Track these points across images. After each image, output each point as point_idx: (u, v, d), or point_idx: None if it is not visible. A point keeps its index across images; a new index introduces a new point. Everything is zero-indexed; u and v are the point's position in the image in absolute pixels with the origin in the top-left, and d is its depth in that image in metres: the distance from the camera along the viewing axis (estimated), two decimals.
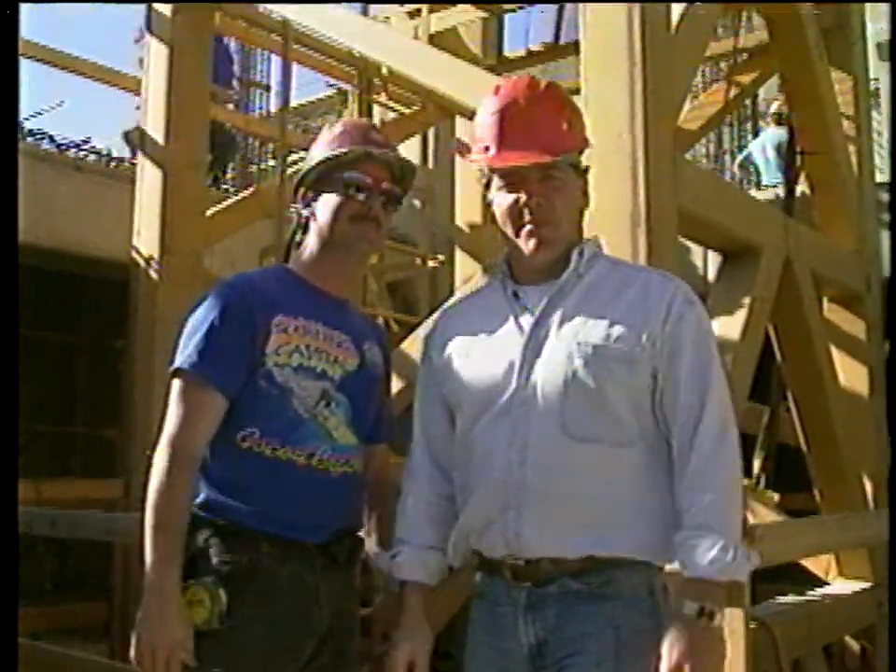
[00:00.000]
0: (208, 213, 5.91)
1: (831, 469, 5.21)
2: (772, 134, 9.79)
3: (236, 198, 6.48)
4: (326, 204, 2.37)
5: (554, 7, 6.44)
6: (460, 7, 5.83)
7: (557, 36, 6.61)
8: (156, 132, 5.56)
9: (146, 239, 5.53)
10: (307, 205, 2.41)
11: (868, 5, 6.28)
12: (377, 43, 4.63)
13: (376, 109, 7.05)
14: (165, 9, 5.64)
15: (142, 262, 5.49)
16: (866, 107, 5.98)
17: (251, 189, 6.57)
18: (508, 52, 6.85)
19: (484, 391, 2.17)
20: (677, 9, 3.93)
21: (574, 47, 6.98)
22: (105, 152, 8.01)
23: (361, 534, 2.41)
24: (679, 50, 3.89)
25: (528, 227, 2.17)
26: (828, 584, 5.06)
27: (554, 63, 6.72)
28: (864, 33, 6.13)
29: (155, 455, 2.18)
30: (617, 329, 2.08)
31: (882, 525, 4.31)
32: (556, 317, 2.15)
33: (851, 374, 5.55)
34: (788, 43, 5.23)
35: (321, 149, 2.41)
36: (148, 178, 5.57)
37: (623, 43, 3.64)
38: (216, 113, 6.71)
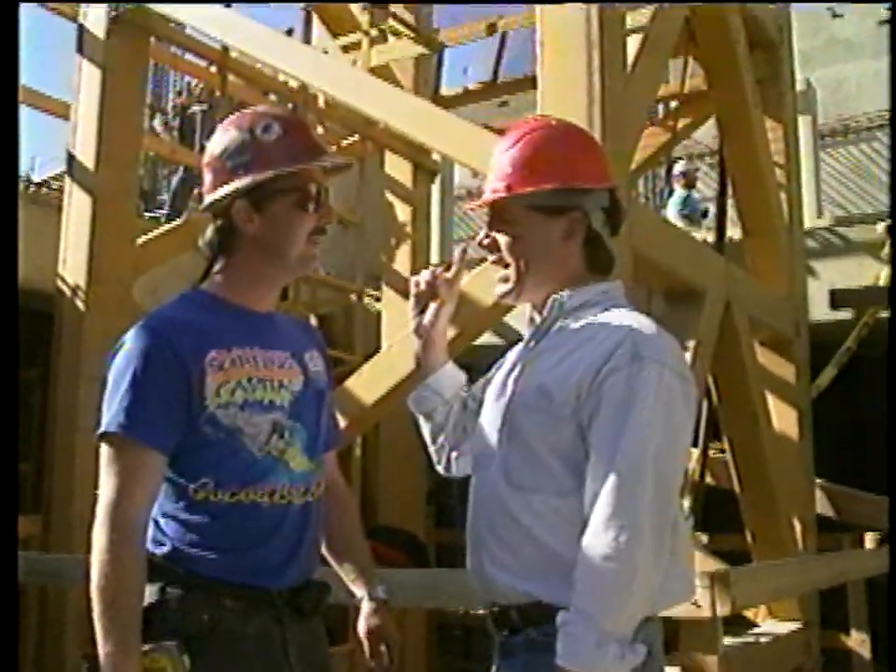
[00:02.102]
0: (138, 241, 5.73)
1: (763, 511, 5.26)
2: (678, 194, 9.95)
3: (167, 227, 6.31)
4: (280, 220, 2.09)
5: (495, 45, 6.45)
6: (401, 42, 5.79)
7: (496, 75, 6.62)
8: (86, 157, 5.38)
9: (72, 267, 5.35)
10: (246, 220, 2.08)
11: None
12: (326, 75, 4.56)
13: None
14: (98, 30, 5.48)
15: (67, 291, 5.30)
16: (795, 156, 6.13)
17: (182, 218, 6.40)
18: (444, 90, 6.85)
19: (477, 433, 2.15)
20: (633, 48, 3.98)
21: (512, 86, 7.12)
22: (23, 177, 7.74)
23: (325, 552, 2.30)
24: (635, 88, 3.92)
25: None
26: (757, 626, 5.09)
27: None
28: (794, 83, 6.31)
29: (94, 529, 1.94)
30: (550, 383, 1.97)
31: (834, 568, 4.36)
32: (521, 364, 2.10)
33: (782, 417, 5.64)
34: (725, 89, 5.35)
35: (264, 157, 2.08)
36: (76, 205, 5.39)
37: (583, 80, 3.66)
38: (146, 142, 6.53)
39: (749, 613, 5.08)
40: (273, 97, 7.09)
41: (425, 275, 2.23)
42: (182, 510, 2.03)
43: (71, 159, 5.50)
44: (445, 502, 9.62)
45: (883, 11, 12.59)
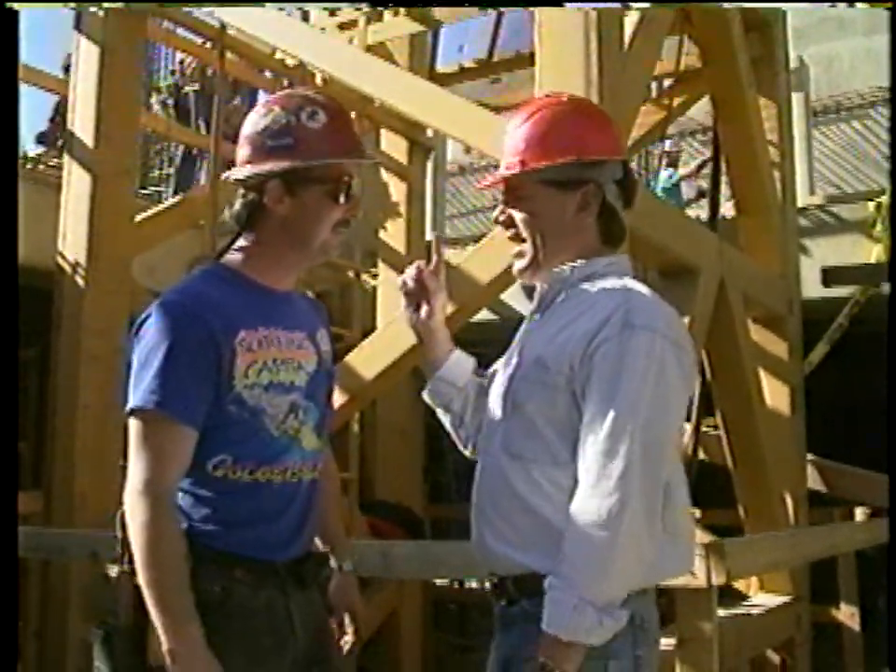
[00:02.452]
0: (137, 219, 5.76)
1: (756, 487, 5.34)
2: (663, 174, 10.04)
3: (165, 205, 6.34)
4: (310, 207, 2.12)
5: (490, 21, 6.47)
6: (398, 19, 5.81)
7: (491, 53, 6.64)
8: (85, 135, 5.40)
9: (72, 243, 5.37)
10: (278, 200, 2.10)
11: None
12: (324, 53, 4.58)
13: None
14: (96, 8, 5.49)
15: (67, 268, 5.33)
16: (789, 135, 6.17)
17: (180, 197, 6.43)
18: (440, 67, 6.86)
19: (487, 406, 2.20)
20: (629, 27, 4.01)
21: (507, 63, 7.14)
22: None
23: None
24: (632, 67, 3.96)
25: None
26: (749, 598, 5.18)
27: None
28: (787, 63, 6.34)
29: (129, 505, 1.96)
30: (547, 354, 2.01)
31: (826, 540, 4.43)
32: (524, 336, 2.15)
33: (774, 394, 5.70)
34: (720, 68, 5.37)
35: (307, 144, 2.09)
36: (76, 182, 5.41)
37: (580, 60, 3.70)
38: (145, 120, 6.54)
39: (740, 586, 5.18)
40: (268, 74, 7.11)
41: (410, 273, 2.23)
42: (198, 485, 2.06)
43: (70, 136, 5.52)
44: (439, 478, 9.72)
45: None
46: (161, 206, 6.37)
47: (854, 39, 12.65)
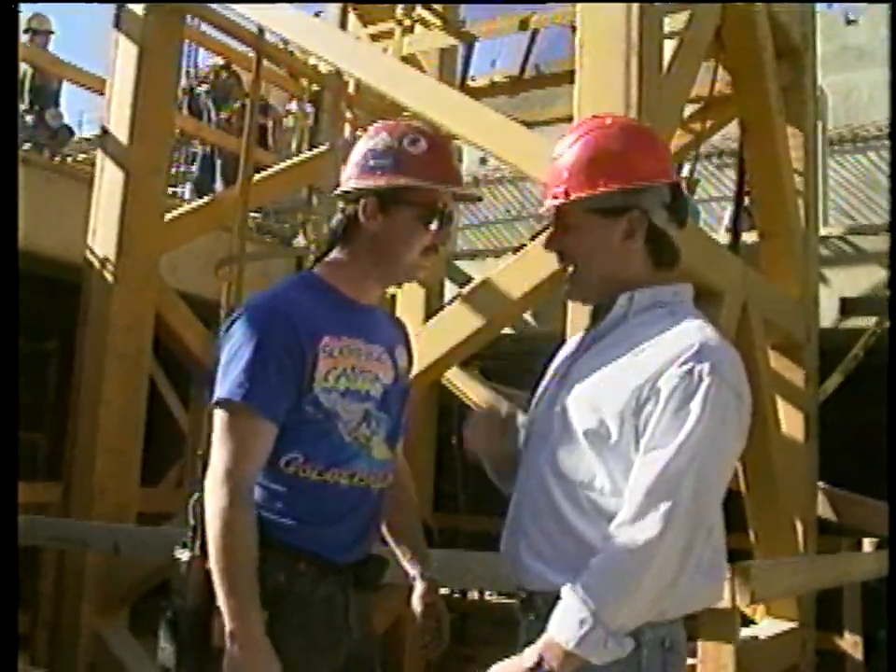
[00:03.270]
0: (166, 218, 5.81)
1: (767, 512, 5.35)
2: None
3: (194, 204, 6.39)
4: (400, 227, 2.22)
5: (526, 38, 6.52)
6: (434, 32, 5.86)
7: (524, 69, 6.69)
8: (120, 132, 5.46)
9: (101, 239, 5.43)
10: (371, 216, 2.22)
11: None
12: (360, 61, 4.64)
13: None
14: (137, 7, 5.55)
15: (96, 263, 5.38)
16: (814, 163, 6.22)
17: (209, 198, 6.48)
18: (471, 82, 6.92)
19: (532, 419, 2.23)
20: (668, 50, 4.06)
21: (538, 80, 7.19)
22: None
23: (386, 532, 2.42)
24: (670, 91, 4.00)
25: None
26: (755, 622, 5.20)
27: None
28: (815, 92, 6.38)
29: (209, 491, 2.07)
30: (608, 384, 2.02)
31: (840, 568, 4.45)
32: (583, 362, 2.16)
33: (789, 421, 5.73)
34: (750, 94, 5.43)
35: (406, 166, 2.21)
36: (108, 179, 5.47)
37: (620, 81, 3.75)
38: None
39: (747, 610, 5.19)
40: (303, 82, 7.17)
41: (472, 431, 2.26)
42: (270, 479, 2.15)
43: (104, 133, 5.58)
44: (446, 488, 9.72)
45: None
46: (189, 206, 6.42)
47: (873, 70, 12.69)
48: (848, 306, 6.32)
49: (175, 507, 4.87)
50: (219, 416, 2.10)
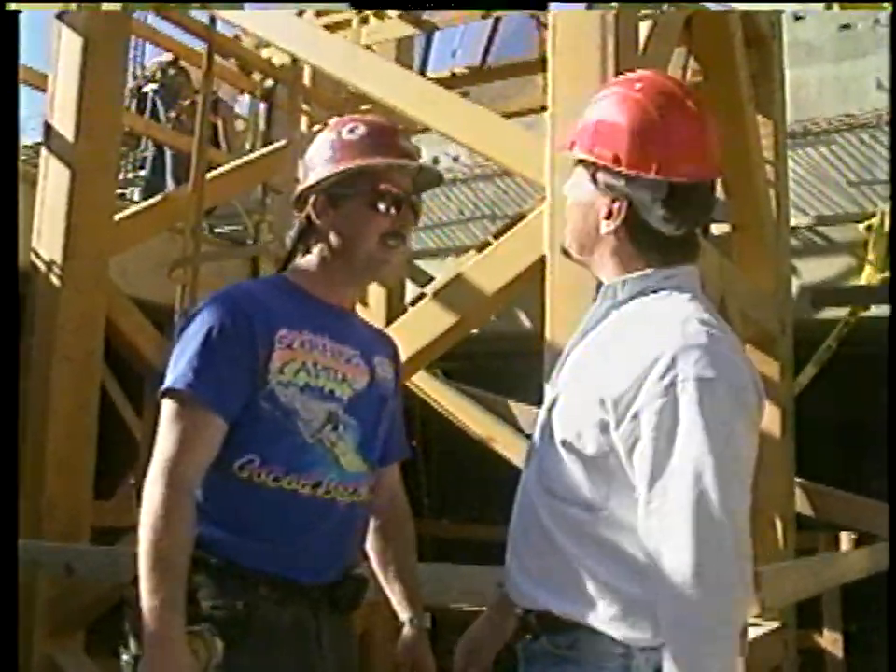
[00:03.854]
0: (116, 218, 5.54)
1: None
2: None
3: (144, 204, 6.13)
4: (350, 218, 2.12)
5: (486, 28, 6.34)
6: (392, 21, 5.66)
7: (485, 59, 6.51)
8: (64, 128, 5.17)
9: (47, 241, 5.14)
10: (321, 213, 2.14)
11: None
12: (319, 48, 4.42)
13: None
14: None
15: (42, 266, 5.10)
16: (784, 153, 6.10)
17: (161, 196, 6.22)
18: (431, 73, 6.73)
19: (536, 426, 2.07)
20: (644, 29, 3.90)
21: (500, 72, 7.02)
22: None
23: (363, 570, 2.24)
24: (648, 63, 3.82)
25: None
26: None
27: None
28: (783, 80, 6.27)
29: (147, 485, 1.92)
30: (587, 387, 1.84)
31: (838, 568, 4.30)
32: (570, 360, 1.99)
33: (765, 415, 5.58)
34: (720, 82, 5.27)
35: (343, 153, 2.13)
36: (53, 177, 5.18)
37: (596, 62, 3.57)
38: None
39: None
40: (255, 77, 6.94)
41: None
42: (223, 488, 1.99)
43: (48, 129, 5.29)
44: (411, 493, 9.57)
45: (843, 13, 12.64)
46: (140, 205, 6.15)
47: (822, 66, 12.74)
48: (820, 297, 6.20)
49: (131, 520, 4.62)
50: (167, 407, 1.97)
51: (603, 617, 1.81)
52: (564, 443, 1.85)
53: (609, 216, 1.93)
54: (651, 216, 1.90)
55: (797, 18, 13.80)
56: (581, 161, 1.98)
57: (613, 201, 1.92)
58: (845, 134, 12.00)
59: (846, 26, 12.54)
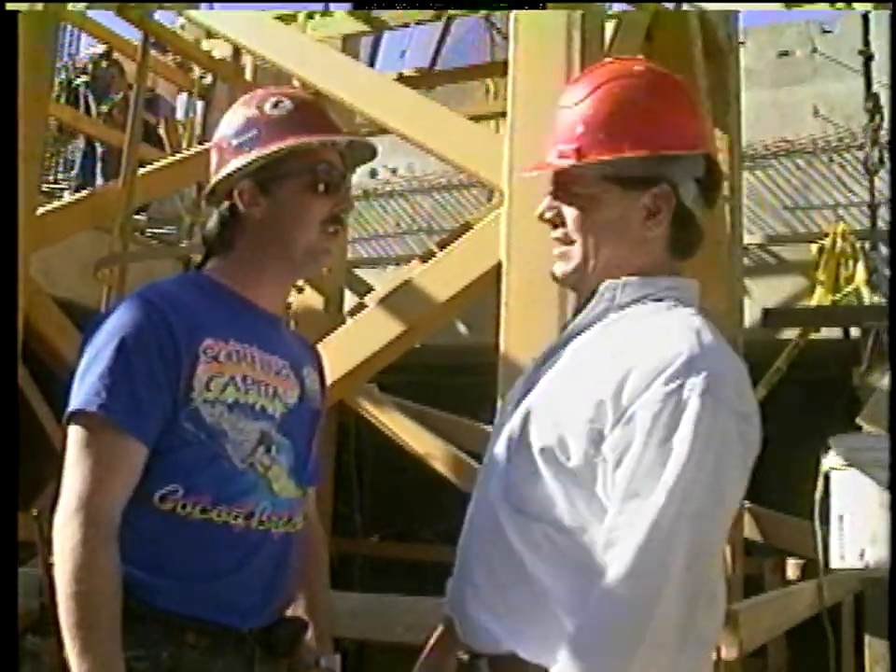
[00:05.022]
0: (39, 212, 5.20)
1: None
2: None
3: (71, 198, 5.80)
4: (287, 204, 1.87)
5: (437, 31, 6.12)
6: (341, 18, 5.41)
7: (434, 62, 6.29)
8: None
9: None
10: (251, 202, 1.88)
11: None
12: (266, 39, 4.15)
13: None
14: None
15: None
16: (739, 168, 5.97)
17: (88, 191, 5.89)
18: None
19: (492, 440, 1.81)
20: (609, 26, 3.72)
21: (450, 75, 6.80)
22: None
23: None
24: None
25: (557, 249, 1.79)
26: None
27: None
28: (739, 93, 6.15)
29: (58, 526, 1.65)
30: (574, 395, 1.62)
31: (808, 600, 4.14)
32: (550, 366, 1.75)
33: None
34: None
35: (270, 132, 1.88)
36: None
37: (562, 61, 3.36)
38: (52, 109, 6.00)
39: None
40: (194, 73, 6.65)
41: None
42: (142, 523, 1.71)
43: None
44: (342, 510, 9.28)
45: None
46: (65, 200, 5.81)
47: (760, 91, 12.84)
48: (772, 317, 6.08)
49: (48, 532, 4.29)
50: (75, 432, 1.68)
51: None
52: (542, 451, 1.61)
53: (650, 215, 1.70)
54: (689, 198, 1.71)
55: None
56: (564, 183, 1.74)
57: (654, 195, 1.69)
58: (782, 159, 12.09)
59: (784, 53, 12.67)
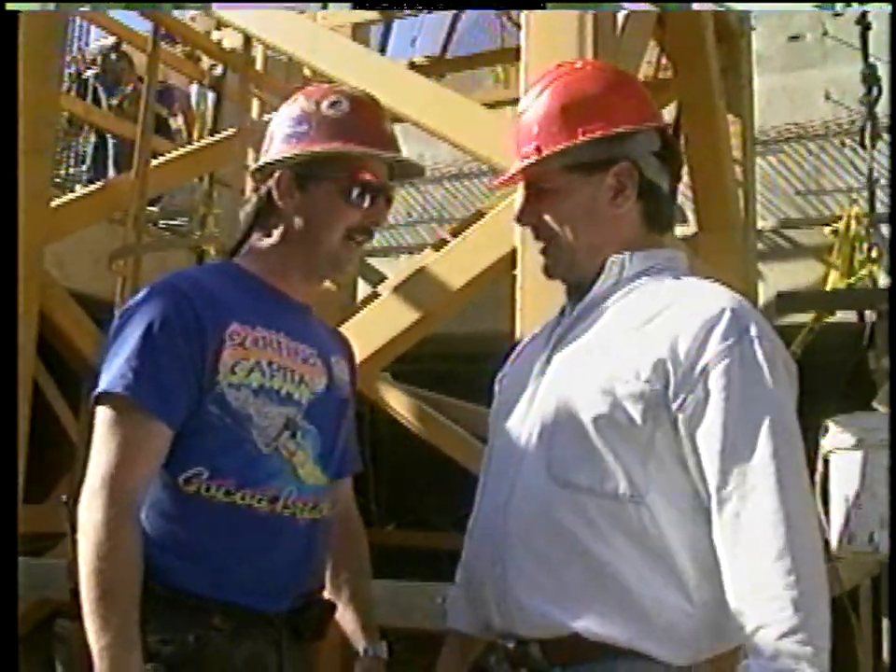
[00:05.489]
0: (53, 205, 5.22)
1: None
2: None
3: (84, 191, 5.81)
4: (319, 205, 1.89)
5: (448, 16, 6.11)
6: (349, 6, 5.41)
7: (445, 49, 6.28)
8: None
9: None
10: (285, 193, 1.90)
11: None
12: (282, 31, 4.15)
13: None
14: None
15: None
16: (752, 153, 5.95)
17: (101, 183, 5.90)
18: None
19: (498, 425, 1.87)
20: (620, 14, 3.71)
21: (462, 62, 6.78)
22: None
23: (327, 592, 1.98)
24: (624, 61, 3.63)
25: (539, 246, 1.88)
26: None
27: None
28: (752, 77, 6.12)
29: (85, 503, 1.67)
30: (619, 361, 1.66)
31: None
32: (571, 340, 1.79)
33: None
34: (691, 77, 5.12)
35: (320, 131, 1.89)
36: None
37: (574, 47, 3.35)
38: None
39: None
40: (204, 64, 6.67)
41: None
42: (168, 505, 1.75)
43: None
44: (357, 499, 9.33)
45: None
46: (79, 192, 5.83)
47: (771, 76, 12.79)
48: (785, 302, 6.05)
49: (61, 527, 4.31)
50: (99, 414, 1.71)
51: (647, 636, 1.59)
52: (595, 420, 1.64)
53: (616, 193, 1.79)
54: (651, 171, 1.81)
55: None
56: (529, 174, 1.83)
57: (616, 174, 1.79)
58: (793, 144, 12.04)
59: (795, 37, 12.60)
